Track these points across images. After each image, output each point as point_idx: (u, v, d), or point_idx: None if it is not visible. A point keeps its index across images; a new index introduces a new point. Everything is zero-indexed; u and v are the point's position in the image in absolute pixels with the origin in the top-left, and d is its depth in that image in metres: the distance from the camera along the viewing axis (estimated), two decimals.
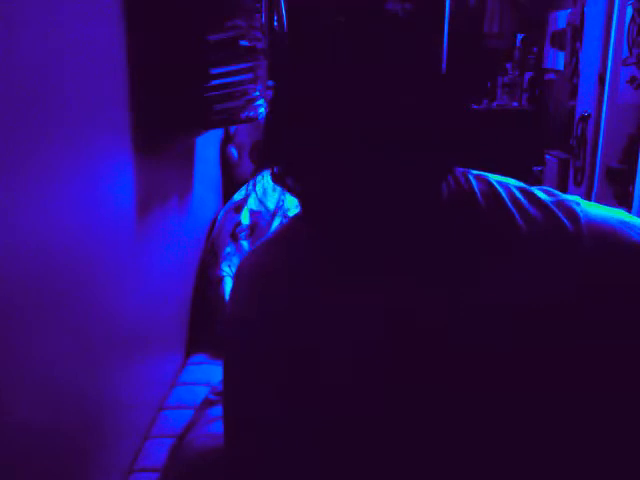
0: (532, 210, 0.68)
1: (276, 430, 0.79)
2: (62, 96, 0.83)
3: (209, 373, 1.47)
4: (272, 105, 0.69)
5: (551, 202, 0.69)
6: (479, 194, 0.69)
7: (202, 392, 1.34)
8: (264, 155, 0.69)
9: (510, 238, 0.67)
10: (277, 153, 0.68)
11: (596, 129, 3.02)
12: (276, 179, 0.68)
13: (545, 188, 0.72)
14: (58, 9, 0.82)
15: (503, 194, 0.69)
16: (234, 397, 0.81)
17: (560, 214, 0.68)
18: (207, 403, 1.22)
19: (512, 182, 0.72)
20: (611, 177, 2.86)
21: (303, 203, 0.71)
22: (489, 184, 0.70)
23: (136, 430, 1.22)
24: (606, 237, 0.67)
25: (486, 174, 0.72)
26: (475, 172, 0.72)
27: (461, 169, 0.72)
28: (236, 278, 0.80)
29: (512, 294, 0.66)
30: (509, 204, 0.68)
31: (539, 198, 0.69)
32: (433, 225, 0.69)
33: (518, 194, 0.70)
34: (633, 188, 2.58)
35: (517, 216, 0.68)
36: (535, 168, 4.06)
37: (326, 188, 0.67)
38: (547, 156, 3.91)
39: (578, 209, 0.68)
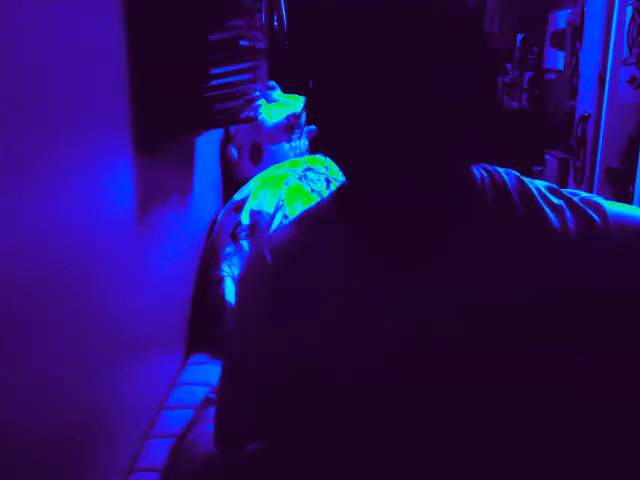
0: (562, 207, 0.69)
1: (277, 422, 0.79)
2: (62, 96, 0.83)
3: (209, 373, 1.47)
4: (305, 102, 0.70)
5: (578, 199, 0.70)
6: (513, 192, 0.70)
7: (202, 392, 1.34)
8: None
9: (542, 234, 0.67)
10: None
11: (596, 129, 3.02)
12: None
13: (567, 189, 0.73)
14: (58, 9, 0.82)
15: (535, 192, 0.70)
16: (237, 385, 0.81)
17: (589, 210, 0.68)
18: (207, 402, 1.22)
19: (538, 181, 0.73)
20: (611, 177, 2.86)
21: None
22: (521, 181, 0.71)
23: (136, 430, 1.22)
24: (634, 232, 0.68)
25: (513, 171, 0.73)
26: (503, 169, 0.72)
27: (490, 165, 0.72)
28: (245, 275, 0.80)
29: (541, 289, 0.67)
30: (541, 202, 0.69)
31: (567, 196, 0.70)
32: (469, 222, 0.69)
33: (547, 192, 0.70)
34: (633, 188, 2.58)
35: (547, 212, 0.68)
36: (535, 168, 4.06)
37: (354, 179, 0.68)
38: (547, 156, 3.91)
39: (604, 205, 0.69)
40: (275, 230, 0.82)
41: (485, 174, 0.71)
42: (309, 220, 0.78)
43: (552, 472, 0.70)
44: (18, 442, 0.74)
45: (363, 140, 0.62)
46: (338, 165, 0.68)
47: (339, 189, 0.75)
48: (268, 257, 0.76)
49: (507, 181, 0.70)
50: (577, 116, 3.23)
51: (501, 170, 0.72)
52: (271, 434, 0.81)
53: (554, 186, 0.72)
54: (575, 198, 0.70)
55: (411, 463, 0.71)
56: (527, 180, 0.72)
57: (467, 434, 0.69)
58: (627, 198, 2.65)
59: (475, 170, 0.71)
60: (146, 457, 1.18)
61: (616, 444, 0.70)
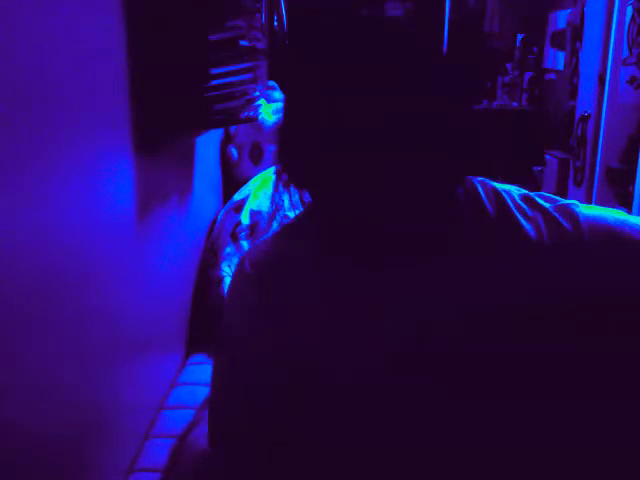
0: (535, 216, 0.69)
1: (273, 429, 0.79)
2: (62, 96, 0.83)
3: (209, 373, 1.47)
4: (283, 108, 0.70)
5: (551, 207, 0.70)
6: (486, 201, 0.70)
7: (202, 392, 1.34)
8: (279, 156, 0.70)
9: (516, 244, 0.68)
10: (286, 155, 0.69)
11: (596, 129, 3.02)
12: (287, 180, 0.69)
13: (543, 194, 0.73)
14: (58, 9, 0.82)
15: (508, 201, 0.70)
16: (231, 386, 0.81)
17: (560, 218, 0.68)
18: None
19: (513, 189, 0.73)
20: (611, 177, 2.86)
21: (316, 205, 0.72)
22: (494, 190, 0.71)
23: (136, 430, 1.22)
24: (606, 237, 0.68)
25: (488, 180, 0.73)
26: (477, 179, 0.72)
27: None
28: (234, 277, 0.80)
29: (517, 298, 0.67)
30: (514, 210, 0.69)
31: (540, 204, 0.70)
32: (442, 230, 0.69)
33: (520, 201, 0.70)
34: (633, 188, 2.58)
35: (522, 222, 0.68)
36: (535, 168, 4.06)
37: (330, 188, 0.67)
38: (547, 156, 3.91)
39: (577, 211, 0.69)
40: (257, 242, 0.82)
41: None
42: (289, 230, 0.78)
43: (553, 473, 0.70)
44: (18, 442, 0.74)
45: (360, 141, 0.62)
46: (315, 186, 0.68)
47: None
48: (247, 266, 0.76)
49: (480, 190, 0.71)
50: (577, 116, 3.23)
51: (475, 180, 0.72)
52: (265, 435, 0.81)
53: (529, 194, 0.72)
54: (549, 206, 0.70)
55: (411, 464, 0.71)
56: (502, 190, 0.72)
57: (467, 434, 0.69)
58: (627, 198, 2.65)
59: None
60: (146, 457, 1.18)
61: (617, 445, 0.70)
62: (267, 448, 0.80)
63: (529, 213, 0.69)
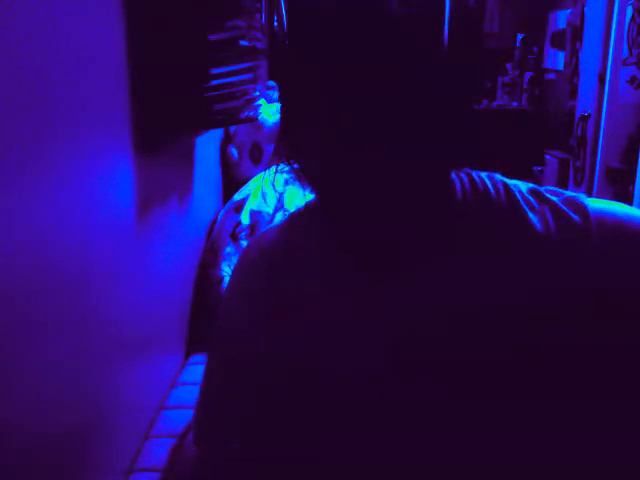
0: (543, 210, 0.69)
1: (265, 428, 0.79)
2: (62, 95, 0.83)
3: None
4: (280, 105, 0.70)
5: (559, 200, 0.69)
6: (494, 194, 0.69)
7: None
8: (278, 151, 0.70)
9: (525, 238, 0.67)
10: (289, 152, 0.69)
11: (596, 129, 3.02)
12: (295, 175, 0.69)
13: (550, 188, 0.72)
14: (58, 8, 0.82)
15: (517, 195, 0.70)
16: (224, 382, 0.81)
17: (569, 211, 0.68)
18: None
19: (520, 183, 0.72)
20: (611, 177, 2.86)
21: (318, 198, 0.72)
22: (503, 184, 0.71)
23: (136, 430, 1.22)
24: (616, 230, 0.67)
25: (496, 175, 0.73)
26: (486, 173, 0.72)
27: (472, 170, 0.72)
28: (238, 263, 0.80)
29: (521, 297, 0.66)
30: (522, 204, 0.69)
31: (548, 198, 0.70)
32: (447, 225, 0.69)
33: (528, 195, 0.70)
34: (633, 188, 2.58)
35: (530, 216, 0.68)
36: (535, 168, 4.06)
37: (333, 186, 0.67)
38: (547, 156, 3.92)
39: (586, 204, 0.69)
40: (265, 229, 0.82)
41: (466, 179, 0.71)
42: (296, 220, 0.78)
43: (558, 476, 0.69)
44: (18, 442, 0.74)
45: (359, 141, 0.61)
46: (315, 184, 0.68)
47: None
48: (254, 252, 0.77)
49: (488, 184, 0.70)
50: (577, 116, 3.23)
51: (483, 175, 0.72)
52: (258, 434, 0.80)
53: (537, 188, 0.72)
54: (557, 199, 0.70)
55: (411, 465, 0.70)
56: (510, 184, 0.71)
57: (469, 435, 0.68)
58: (627, 198, 2.65)
59: (455, 176, 0.70)
60: (146, 457, 1.18)
61: (620, 446, 0.70)
62: (259, 448, 0.80)
63: (536, 206, 0.69)
